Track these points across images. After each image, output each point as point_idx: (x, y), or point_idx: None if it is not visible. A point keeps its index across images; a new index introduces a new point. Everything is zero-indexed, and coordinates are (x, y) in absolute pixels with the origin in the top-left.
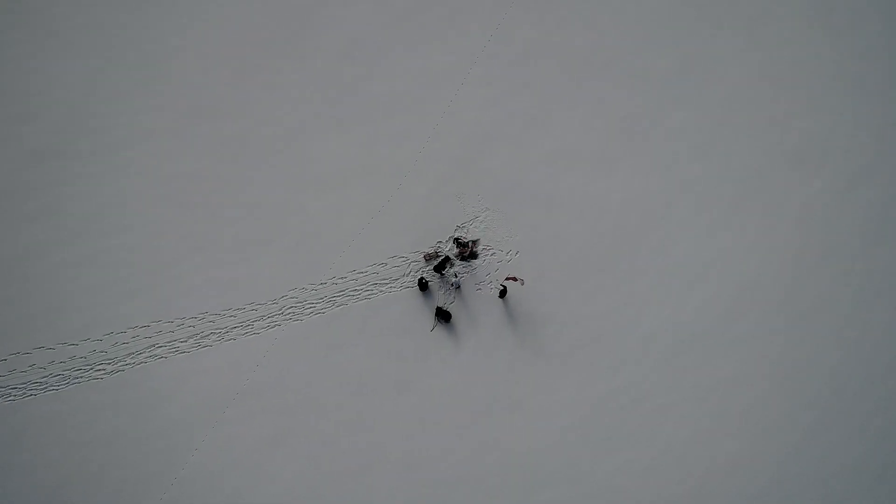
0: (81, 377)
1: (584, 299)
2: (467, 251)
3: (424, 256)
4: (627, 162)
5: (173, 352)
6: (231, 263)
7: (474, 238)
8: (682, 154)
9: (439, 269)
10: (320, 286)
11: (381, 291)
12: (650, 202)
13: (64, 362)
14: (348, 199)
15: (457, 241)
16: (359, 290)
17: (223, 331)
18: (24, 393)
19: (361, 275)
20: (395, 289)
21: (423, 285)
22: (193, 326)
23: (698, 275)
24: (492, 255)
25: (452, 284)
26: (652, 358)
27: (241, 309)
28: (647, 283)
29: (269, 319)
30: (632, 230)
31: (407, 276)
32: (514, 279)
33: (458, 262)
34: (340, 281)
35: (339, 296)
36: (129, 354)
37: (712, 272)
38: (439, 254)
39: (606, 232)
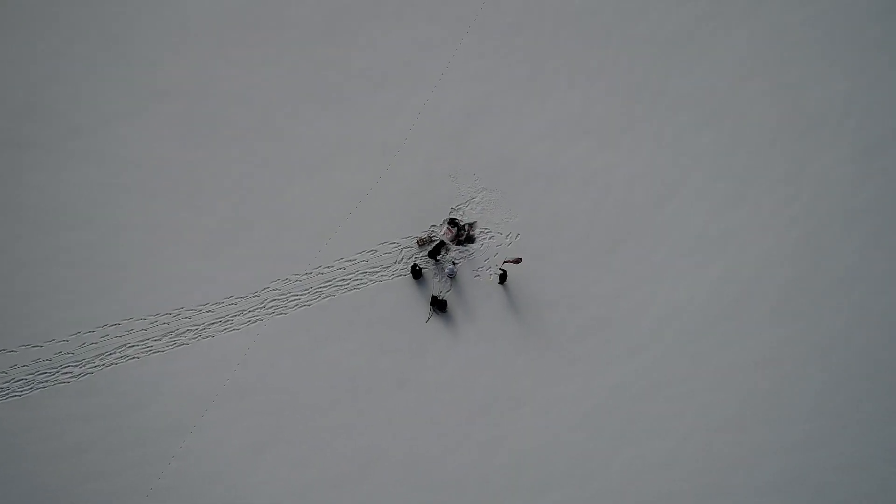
0: (47, 381)
1: (590, 282)
2: (463, 235)
3: (417, 242)
4: (632, 133)
5: (146, 351)
6: (207, 255)
7: (471, 220)
8: (690, 124)
9: (434, 254)
10: (305, 277)
11: (371, 281)
12: (658, 176)
13: (27, 366)
14: (333, 181)
15: (451, 221)
16: (347, 280)
17: (200, 328)
18: None
19: (349, 263)
20: (387, 277)
21: (416, 273)
22: (168, 324)
23: (713, 252)
24: (490, 238)
25: (448, 271)
26: (666, 343)
27: (220, 303)
28: (658, 263)
29: (250, 314)
30: (640, 206)
31: (399, 263)
32: (513, 261)
33: (453, 246)
34: (327, 270)
35: (326, 286)
36: (99, 356)
37: (728, 249)
38: (433, 238)
39: (612, 209)
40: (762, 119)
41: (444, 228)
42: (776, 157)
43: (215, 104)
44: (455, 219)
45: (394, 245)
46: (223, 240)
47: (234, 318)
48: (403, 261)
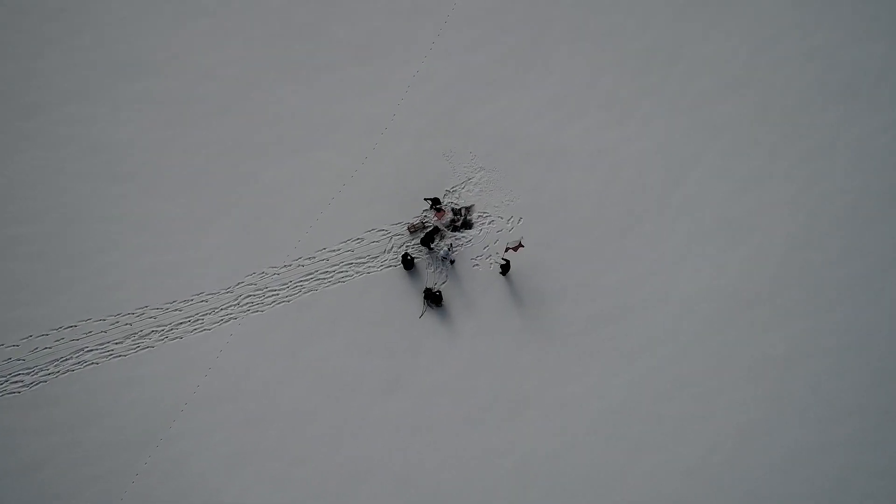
0: None
1: (601, 270)
2: (459, 220)
3: (409, 228)
4: (645, 105)
5: (106, 356)
6: (173, 247)
7: (468, 204)
8: (709, 92)
9: (427, 242)
10: (283, 269)
11: (357, 273)
12: (675, 151)
13: None
14: (313, 163)
15: (433, 203)
16: (330, 273)
17: (166, 328)
18: None
19: (333, 253)
20: (375, 269)
21: (408, 263)
22: (130, 325)
23: (737, 234)
24: (489, 223)
25: (444, 260)
26: (688, 336)
27: (188, 301)
28: (676, 248)
29: (223, 312)
30: (654, 185)
31: (388, 252)
32: (515, 248)
33: (449, 233)
34: (308, 262)
35: (307, 280)
36: (53, 361)
37: (754, 230)
38: (426, 224)
39: (623, 189)
40: (789, 86)
41: (434, 213)
42: (805, 127)
43: (182, 80)
44: (437, 199)
45: (382, 233)
46: (191, 230)
47: (205, 317)
48: (393, 250)
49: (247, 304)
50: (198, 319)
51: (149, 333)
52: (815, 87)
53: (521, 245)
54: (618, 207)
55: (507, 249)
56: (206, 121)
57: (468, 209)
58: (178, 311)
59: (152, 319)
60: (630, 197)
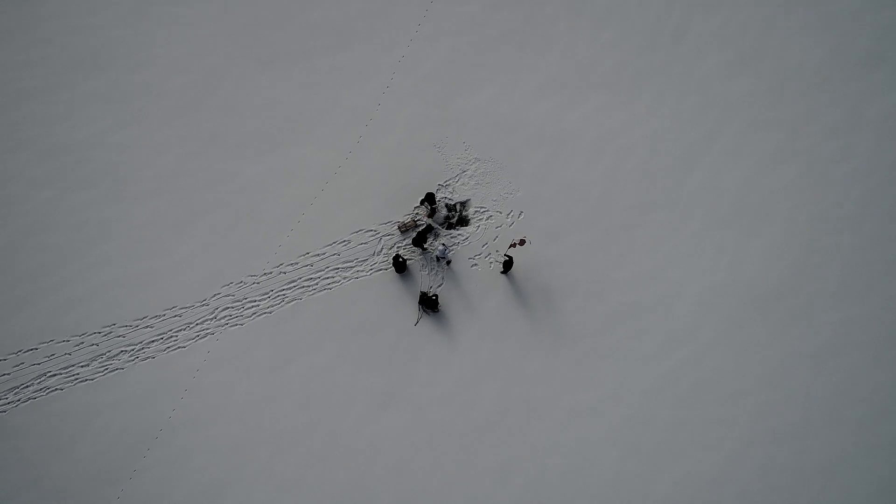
0: None
1: (612, 265)
2: (455, 216)
3: (399, 227)
4: (651, 84)
5: (71, 381)
6: (142, 257)
7: (462, 199)
8: (720, 68)
9: (420, 241)
10: (263, 278)
11: (344, 278)
12: (686, 133)
13: None
14: (293, 160)
15: (426, 201)
16: (315, 280)
17: (136, 348)
18: None
19: (318, 258)
20: (364, 273)
21: (400, 265)
22: (97, 345)
23: (759, 219)
24: (488, 218)
25: (439, 260)
26: (709, 333)
27: (160, 316)
28: (693, 237)
29: (199, 327)
30: (666, 171)
31: (378, 255)
32: (518, 244)
33: (443, 231)
34: (290, 269)
35: (290, 288)
36: (12, 389)
37: (777, 214)
38: (418, 222)
39: (633, 176)
40: (807, 57)
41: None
42: (827, 101)
43: (146, 74)
44: (432, 195)
45: (370, 233)
46: (161, 237)
47: (179, 334)
48: (383, 252)
49: (224, 317)
50: (171, 336)
51: (117, 354)
52: (835, 57)
53: (524, 241)
54: (626, 196)
55: (510, 246)
56: (174, 118)
57: (464, 204)
58: (149, 329)
59: (121, 338)
60: (639, 184)
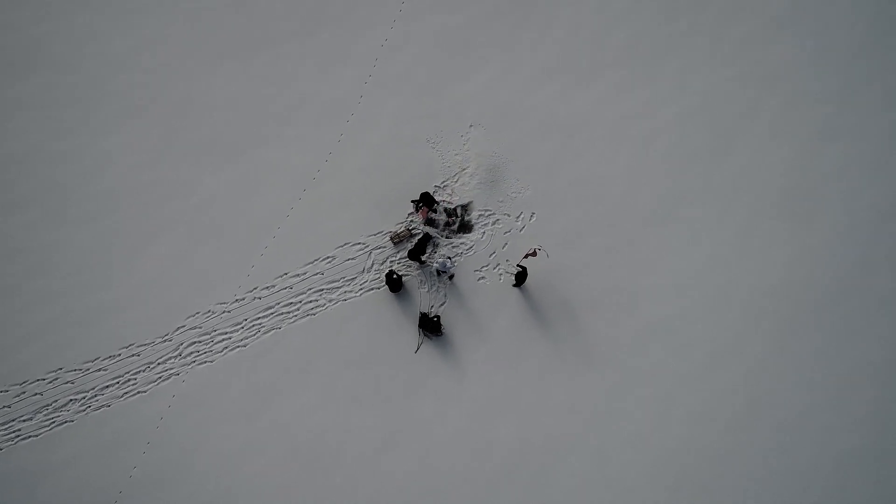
0: None
1: (641, 271)
2: (455, 221)
3: (392, 238)
4: (675, 57)
5: (11, 438)
6: (90, 287)
7: (464, 202)
8: (754, 35)
9: (417, 254)
10: (235, 305)
11: (330, 302)
12: (720, 112)
13: None
14: (263, 165)
15: (422, 203)
16: (296, 304)
17: (88, 395)
18: None
19: (297, 279)
20: (353, 294)
21: (394, 283)
22: (41, 394)
23: (813, 207)
24: (494, 223)
25: (440, 275)
26: (762, 346)
27: (114, 357)
28: (737, 233)
29: (161, 367)
30: (699, 156)
31: (368, 271)
32: (534, 254)
33: (443, 238)
34: (266, 293)
35: (267, 316)
36: None
37: (833, 200)
38: (414, 231)
39: (661, 164)
40: (855, 17)
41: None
42: (877, 68)
43: (86, 74)
44: (428, 195)
45: (358, 247)
46: (112, 263)
47: (138, 377)
48: (374, 268)
49: (191, 354)
50: (128, 380)
51: (66, 404)
52: (887, 14)
53: (539, 250)
54: (654, 189)
55: (525, 256)
56: (120, 122)
57: (465, 208)
58: (102, 372)
59: (69, 385)
60: (668, 174)
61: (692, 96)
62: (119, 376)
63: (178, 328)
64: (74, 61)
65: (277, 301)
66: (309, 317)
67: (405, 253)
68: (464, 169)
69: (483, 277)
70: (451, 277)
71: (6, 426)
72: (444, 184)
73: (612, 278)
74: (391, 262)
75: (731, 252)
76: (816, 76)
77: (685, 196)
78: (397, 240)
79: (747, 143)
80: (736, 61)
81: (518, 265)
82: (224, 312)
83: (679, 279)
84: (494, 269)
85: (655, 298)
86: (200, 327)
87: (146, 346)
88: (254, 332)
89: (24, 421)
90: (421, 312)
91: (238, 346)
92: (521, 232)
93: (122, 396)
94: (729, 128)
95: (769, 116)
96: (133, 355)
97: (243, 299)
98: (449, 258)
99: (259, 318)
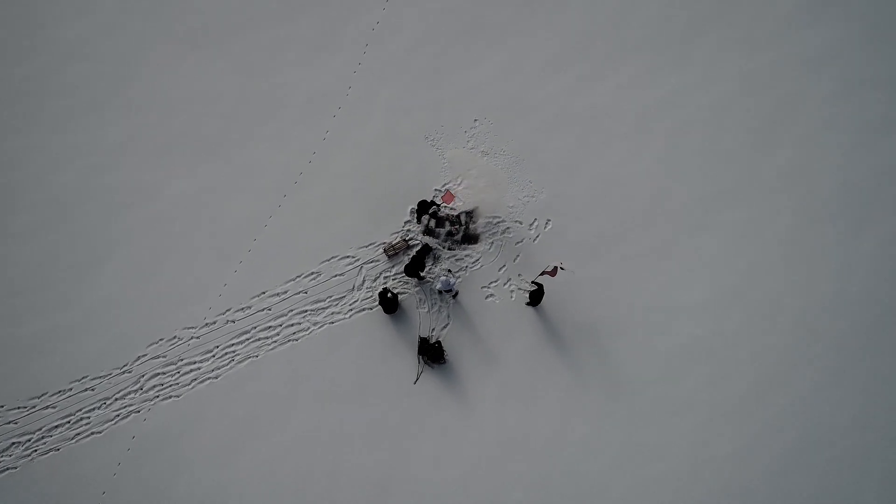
0: None
1: (675, 285)
2: (459, 231)
3: (386, 251)
4: (707, 40)
5: None
6: (37, 310)
7: (468, 208)
8: (798, 14)
9: (414, 269)
10: (205, 330)
11: (315, 325)
12: (761, 99)
13: None
14: (237, 167)
15: (426, 208)
16: (275, 328)
17: (33, 438)
18: None
19: (277, 299)
20: (342, 315)
21: (389, 303)
22: None
23: (866, 209)
24: (503, 231)
25: (442, 293)
26: (815, 372)
27: (64, 392)
28: (786, 241)
29: (118, 404)
30: (739, 152)
31: (359, 289)
32: (553, 272)
33: (444, 250)
34: (240, 315)
35: (241, 342)
36: None
37: (889, 200)
38: (410, 242)
39: (694, 161)
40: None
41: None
42: None
43: (34, 66)
44: (426, 203)
45: (347, 261)
46: (63, 282)
47: (92, 415)
48: (366, 285)
49: (154, 387)
50: (81, 419)
51: (7, 448)
52: None
53: (561, 269)
54: (688, 190)
55: (542, 272)
56: (73, 120)
57: (470, 215)
58: (50, 410)
59: (12, 426)
60: (704, 173)
61: (728, 82)
62: (70, 415)
63: (139, 357)
64: (22, 50)
65: (254, 325)
66: (290, 343)
67: (401, 268)
68: (468, 169)
69: (492, 295)
70: (454, 295)
71: None
72: (445, 187)
73: (639, 294)
74: (385, 278)
75: (777, 262)
76: (868, 61)
77: (722, 198)
78: (392, 252)
79: (795, 136)
80: (776, 44)
81: (533, 281)
82: (192, 339)
83: (717, 295)
84: (505, 284)
85: (690, 317)
86: (164, 356)
87: (101, 379)
88: (227, 362)
89: None
90: (420, 337)
91: (209, 378)
92: (535, 242)
93: (73, 438)
94: (770, 120)
95: (815, 106)
96: (86, 389)
97: (214, 323)
98: (450, 271)
99: (233, 344)
